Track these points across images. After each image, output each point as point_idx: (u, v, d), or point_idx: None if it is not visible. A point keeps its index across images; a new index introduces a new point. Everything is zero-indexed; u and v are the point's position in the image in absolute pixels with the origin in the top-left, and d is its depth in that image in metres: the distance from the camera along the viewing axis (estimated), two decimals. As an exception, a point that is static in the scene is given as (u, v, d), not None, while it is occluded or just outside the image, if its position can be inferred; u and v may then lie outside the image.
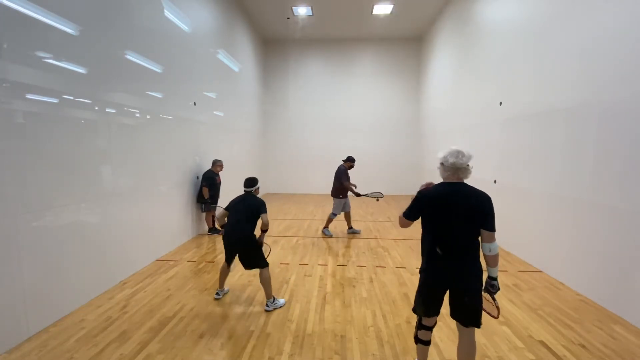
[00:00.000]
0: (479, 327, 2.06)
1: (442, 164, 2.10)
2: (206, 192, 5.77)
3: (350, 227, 6.27)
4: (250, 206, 3.39)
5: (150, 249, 4.65)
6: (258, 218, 3.38)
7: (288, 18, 9.42)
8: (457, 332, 2.88)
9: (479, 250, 2.03)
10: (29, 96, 2.84)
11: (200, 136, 6.24)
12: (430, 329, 2.22)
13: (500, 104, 5.52)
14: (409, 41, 11.13)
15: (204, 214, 6.15)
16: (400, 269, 4.44)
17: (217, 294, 3.56)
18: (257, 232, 3.39)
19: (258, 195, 3.55)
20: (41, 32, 2.94)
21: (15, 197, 2.68)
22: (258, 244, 3.39)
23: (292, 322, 3.08)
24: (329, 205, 9.37)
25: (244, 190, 3.49)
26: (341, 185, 5.89)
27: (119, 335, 2.85)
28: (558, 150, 4.11)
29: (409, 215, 2.16)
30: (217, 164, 5.99)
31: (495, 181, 5.60)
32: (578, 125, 3.80)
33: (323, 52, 11.38)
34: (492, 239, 2.00)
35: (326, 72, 11.46)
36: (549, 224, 4.24)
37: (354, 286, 3.89)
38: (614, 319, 3.16)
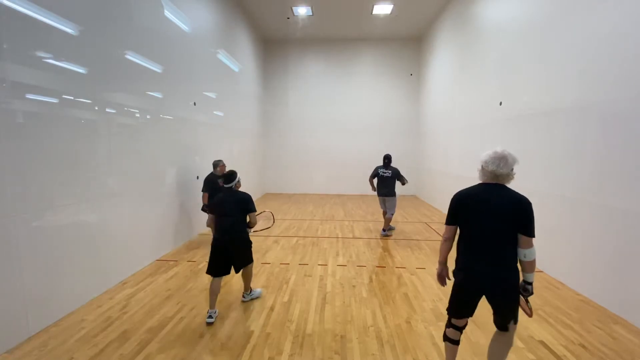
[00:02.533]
0: (516, 323, 2.02)
1: (482, 167, 2.03)
2: (205, 198, 5.10)
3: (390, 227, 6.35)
4: (238, 202, 3.21)
5: (150, 249, 4.65)
6: (246, 214, 3.26)
7: (288, 18, 9.42)
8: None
9: (517, 256, 1.96)
10: (29, 96, 2.84)
11: (200, 136, 6.24)
12: (460, 329, 2.16)
13: (500, 104, 5.52)
14: (409, 41, 11.13)
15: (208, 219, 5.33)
16: (400, 269, 4.44)
17: (210, 316, 3.07)
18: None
19: (240, 189, 3.39)
20: (41, 32, 2.94)
21: (15, 197, 2.68)
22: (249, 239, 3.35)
23: (292, 322, 3.08)
24: (329, 205, 9.38)
25: (225, 187, 3.31)
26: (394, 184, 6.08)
27: (119, 335, 2.85)
28: (558, 150, 4.11)
29: (448, 220, 2.11)
30: (219, 165, 5.18)
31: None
32: (578, 125, 3.80)
33: (323, 52, 11.38)
34: (529, 245, 1.90)
35: (326, 72, 11.46)
36: (549, 224, 4.24)
37: (354, 286, 3.88)
38: (614, 319, 3.16)
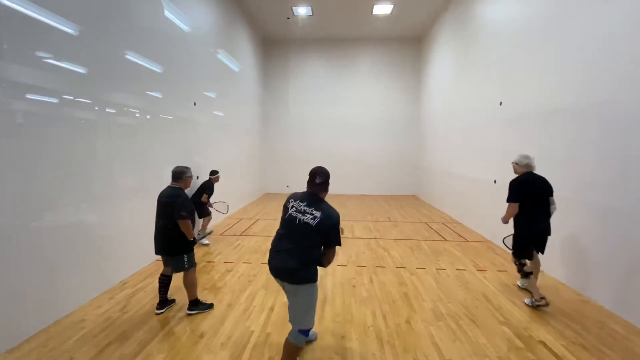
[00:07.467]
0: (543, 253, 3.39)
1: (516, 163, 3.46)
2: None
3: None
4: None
5: (150, 249, 4.62)
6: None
7: (288, 18, 9.42)
8: (456, 332, 2.91)
9: None
10: (29, 96, 2.84)
11: (200, 136, 6.24)
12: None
13: (500, 104, 5.52)
14: (409, 41, 11.13)
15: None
16: (400, 269, 4.44)
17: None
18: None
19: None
20: (41, 32, 2.94)
21: (15, 197, 2.68)
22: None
23: (292, 322, 3.08)
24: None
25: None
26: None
27: (119, 335, 2.85)
28: (558, 150, 4.11)
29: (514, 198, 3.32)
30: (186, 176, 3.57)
31: (495, 181, 5.60)
32: (578, 125, 3.80)
33: (323, 52, 11.37)
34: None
35: (326, 72, 11.45)
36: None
37: (354, 286, 3.88)
38: (614, 319, 3.16)
